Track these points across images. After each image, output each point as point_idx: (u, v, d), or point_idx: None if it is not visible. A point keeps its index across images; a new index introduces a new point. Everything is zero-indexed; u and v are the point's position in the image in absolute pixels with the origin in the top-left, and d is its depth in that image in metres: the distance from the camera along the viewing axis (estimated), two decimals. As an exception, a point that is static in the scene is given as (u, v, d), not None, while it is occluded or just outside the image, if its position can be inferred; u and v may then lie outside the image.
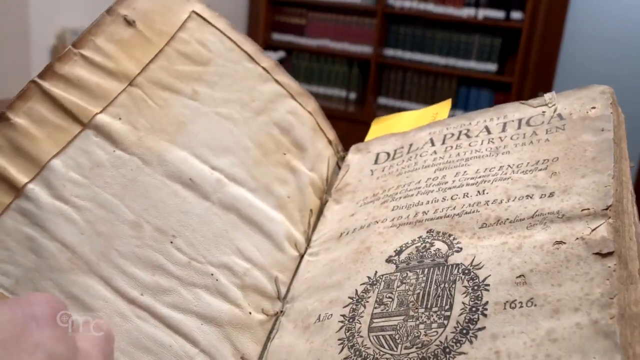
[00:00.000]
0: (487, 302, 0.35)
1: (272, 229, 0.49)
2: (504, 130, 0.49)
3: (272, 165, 0.53)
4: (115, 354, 0.28)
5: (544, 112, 0.48)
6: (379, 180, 0.53)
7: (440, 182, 0.47)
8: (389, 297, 0.39)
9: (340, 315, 0.40)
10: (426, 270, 0.39)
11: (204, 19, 0.54)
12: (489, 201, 0.42)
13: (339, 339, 0.39)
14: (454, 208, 0.43)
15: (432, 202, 0.45)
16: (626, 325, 0.31)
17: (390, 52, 2.99)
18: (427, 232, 0.43)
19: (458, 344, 0.34)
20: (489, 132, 0.50)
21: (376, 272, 0.42)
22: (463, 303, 0.36)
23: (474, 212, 0.42)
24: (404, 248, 0.42)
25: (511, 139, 0.47)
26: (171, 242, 0.43)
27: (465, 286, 0.37)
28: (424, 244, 0.42)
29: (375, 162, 0.56)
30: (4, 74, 1.83)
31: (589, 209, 0.37)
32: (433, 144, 0.52)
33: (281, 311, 0.46)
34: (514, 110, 0.50)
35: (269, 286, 0.47)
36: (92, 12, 0.50)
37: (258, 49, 0.57)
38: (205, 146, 0.48)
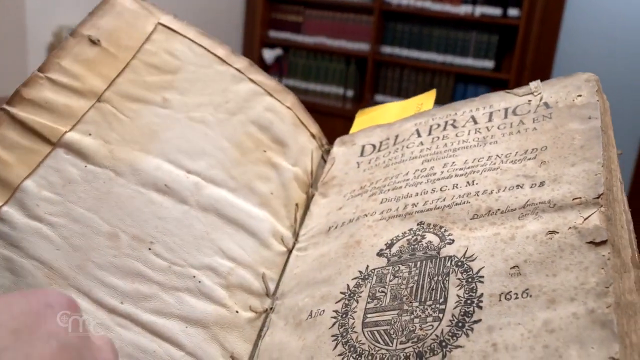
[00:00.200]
0: (482, 294, 0.35)
1: (255, 226, 0.49)
2: (490, 119, 0.49)
3: (252, 164, 0.52)
4: None
5: (529, 100, 0.48)
6: (366, 172, 0.52)
7: (428, 174, 0.46)
8: (382, 292, 0.39)
9: (333, 311, 0.40)
10: (419, 263, 0.39)
11: (171, 29, 0.54)
12: (479, 192, 0.42)
13: (332, 335, 0.38)
14: (444, 199, 0.43)
15: (421, 194, 0.45)
16: (622, 314, 0.31)
17: (387, 49, 2.98)
18: (418, 224, 0.42)
19: (454, 338, 0.33)
20: (475, 122, 0.49)
21: (367, 266, 0.41)
22: (457, 296, 0.35)
23: (464, 203, 0.42)
24: (394, 241, 0.42)
25: (498, 128, 0.47)
26: (149, 249, 0.43)
27: (459, 278, 0.36)
28: (415, 237, 0.41)
29: (361, 154, 0.55)
30: (1, 72, 1.81)
31: (580, 197, 0.37)
32: (419, 135, 0.52)
33: (271, 308, 0.45)
34: (499, 100, 0.50)
35: (255, 283, 0.46)
36: (88, 10, 0.51)
37: (231, 51, 0.57)
38: (179, 151, 0.48)
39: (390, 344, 0.35)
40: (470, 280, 0.36)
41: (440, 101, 0.58)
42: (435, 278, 0.37)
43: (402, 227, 0.43)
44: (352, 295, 0.40)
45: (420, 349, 0.34)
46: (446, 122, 0.51)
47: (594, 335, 0.30)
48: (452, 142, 0.49)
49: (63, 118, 0.44)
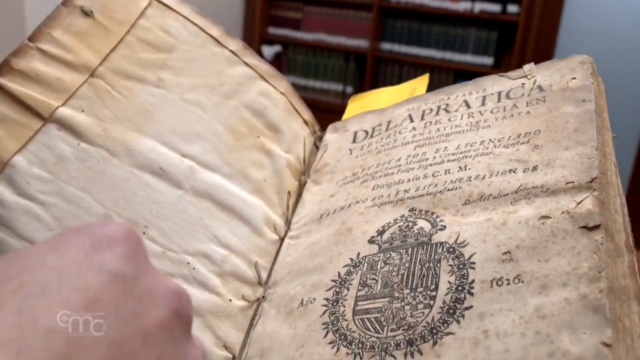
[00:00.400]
0: (473, 281, 0.34)
1: (249, 213, 0.48)
2: (483, 104, 0.48)
3: (246, 150, 0.51)
4: None
5: (523, 84, 0.47)
6: (358, 159, 0.52)
7: (420, 159, 0.46)
8: (373, 279, 0.38)
9: (324, 299, 0.39)
10: (410, 250, 0.39)
11: (166, 5, 0.52)
12: (471, 177, 0.41)
13: (323, 324, 0.38)
14: (436, 185, 0.42)
15: (413, 180, 0.44)
16: (615, 299, 0.31)
17: (386, 45, 2.96)
18: (410, 210, 0.42)
19: (445, 325, 0.33)
20: (468, 106, 0.49)
21: (359, 253, 0.41)
22: (449, 282, 0.35)
23: (456, 188, 0.41)
24: (386, 228, 0.41)
25: (491, 112, 0.47)
26: (144, 233, 0.42)
27: (450, 265, 0.36)
28: (406, 223, 0.41)
29: (354, 140, 0.55)
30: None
31: (573, 182, 0.37)
32: (412, 120, 0.51)
33: (263, 297, 0.45)
34: (492, 83, 0.49)
35: (248, 272, 0.45)
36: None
37: (225, 32, 0.55)
38: (174, 134, 0.47)
39: (381, 332, 0.35)
40: (461, 266, 0.35)
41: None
42: (427, 265, 0.37)
43: (393, 213, 0.42)
44: (343, 283, 0.40)
45: (411, 336, 0.33)
46: (439, 107, 0.50)
47: (586, 321, 0.29)
48: (444, 127, 0.48)
49: (55, 92, 0.43)
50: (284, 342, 0.39)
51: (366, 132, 0.55)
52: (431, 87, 0.55)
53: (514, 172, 0.40)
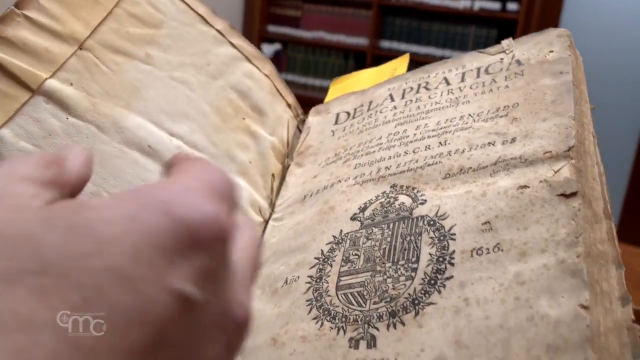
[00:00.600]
0: (453, 251, 0.34)
1: None
2: (463, 80, 0.48)
3: (232, 131, 0.51)
4: None
5: (502, 59, 0.47)
6: (340, 140, 0.52)
7: (401, 137, 0.46)
8: (355, 255, 0.38)
9: (307, 276, 0.40)
10: (391, 224, 0.39)
11: None
12: (451, 151, 0.41)
13: (307, 300, 0.38)
14: (417, 161, 0.43)
15: (394, 157, 0.44)
16: (592, 262, 0.31)
17: (386, 43, 2.95)
18: (391, 187, 0.42)
19: (427, 295, 0.33)
20: (448, 83, 0.49)
21: (341, 230, 0.41)
22: (430, 254, 0.35)
23: (436, 163, 0.41)
24: (368, 205, 0.42)
25: (470, 88, 0.47)
26: None
27: (431, 237, 0.36)
28: (388, 199, 0.41)
29: (336, 122, 0.55)
30: None
31: (551, 151, 0.37)
32: (393, 100, 0.51)
33: (248, 278, 0.45)
34: (472, 60, 0.49)
35: None
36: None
37: (211, 10, 0.55)
38: (162, 112, 0.47)
39: (364, 305, 0.35)
40: (442, 238, 0.36)
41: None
42: (408, 238, 0.37)
43: (375, 190, 0.43)
44: (326, 260, 0.40)
45: (394, 308, 0.34)
46: (419, 85, 0.51)
47: (564, 285, 0.30)
48: (424, 104, 0.48)
49: (43, 63, 0.41)
50: (269, 320, 0.39)
51: (348, 113, 0.55)
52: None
53: (493, 144, 0.40)
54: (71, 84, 0.42)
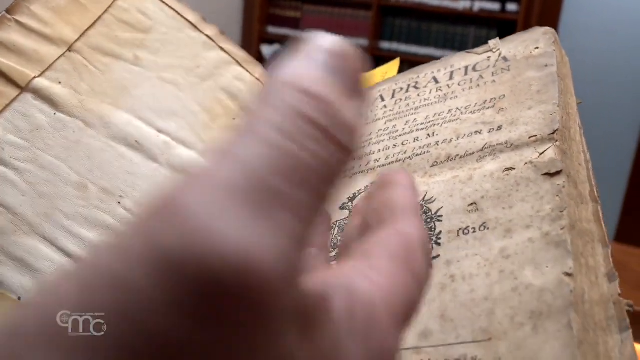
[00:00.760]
0: (440, 232, 0.34)
1: None
2: (451, 78, 0.49)
3: (221, 130, 0.52)
4: None
5: (489, 57, 0.48)
6: (332, 139, 0.52)
7: (390, 132, 0.46)
8: None
9: None
10: None
11: None
12: (438, 142, 0.42)
13: None
14: (405, 152, 0.43)
15: (383, 150, 0.45)
16: (577, 236, 0.31)
17: (385, 44, 2.93)
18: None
19: None
20: (437, 82, 0.49)
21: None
22: None
23: (424, 153, 0.42)
24: (357, 194, 0.42)
25: (459, 85, 0.47)
26: (118, 202, 0.42)
27: None
28: None
29: (327, 124, 0.55)
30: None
31: (536, 135, 0.37)
32: (383, 100, 0.52)
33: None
34: (460, 59, 0.50)
35: None
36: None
37: (201, 17, 0.56)
38: (149, 110, 0.48)
39: None
40: (429, 220, 0.36)
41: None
42: None
43: (364, 181, 0.43)
44: (314, 247, 0.40)
45: (380, 288, 0.33)
46: (409, 85, 0.51)
47: (548, 256, 0.30)
48: (414, 101, 0.49)
49: (32, 63, 0.43)
50: None
51: (339, 115, 0.55)
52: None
53: (480, 133, 0.40)
54: (59, 83, 0.44)
